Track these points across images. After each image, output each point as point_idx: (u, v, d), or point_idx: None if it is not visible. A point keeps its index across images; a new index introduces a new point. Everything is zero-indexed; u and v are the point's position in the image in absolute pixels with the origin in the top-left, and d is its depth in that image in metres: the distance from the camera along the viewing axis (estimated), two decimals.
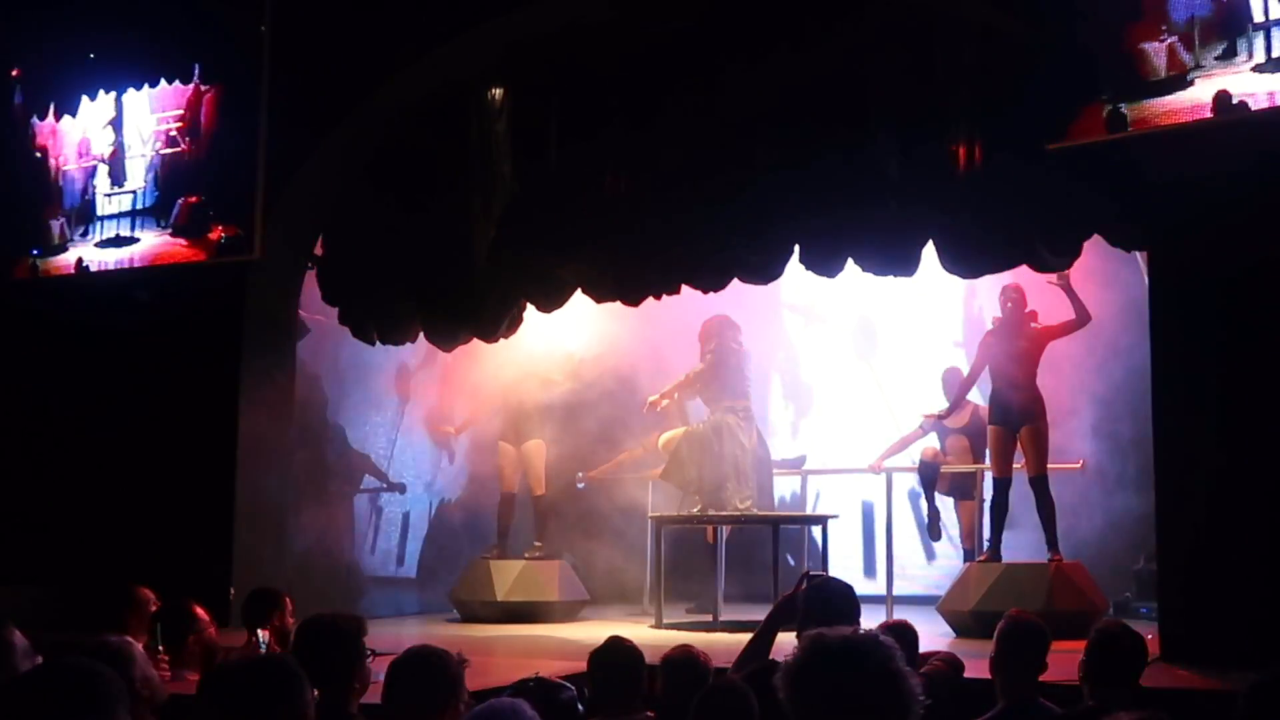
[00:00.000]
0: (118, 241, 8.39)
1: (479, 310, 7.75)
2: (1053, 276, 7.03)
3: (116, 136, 8.53)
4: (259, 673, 2.48)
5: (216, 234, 8.02)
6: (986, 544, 7.25)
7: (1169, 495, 5.81)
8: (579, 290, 7.56)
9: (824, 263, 6.96)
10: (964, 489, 8.16)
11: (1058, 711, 3.58)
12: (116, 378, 8.07)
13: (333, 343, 8.57)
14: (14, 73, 8.84)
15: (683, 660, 3.60)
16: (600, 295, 7.60)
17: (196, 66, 8.23)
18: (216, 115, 8.15)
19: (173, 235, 8.19)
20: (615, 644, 3.76)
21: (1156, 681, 4.61)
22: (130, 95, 8.49)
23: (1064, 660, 3.83)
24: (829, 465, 9.21)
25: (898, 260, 6.78)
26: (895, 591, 7.83)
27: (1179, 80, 5.68)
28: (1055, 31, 6.02)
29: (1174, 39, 5.70)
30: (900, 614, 6.62)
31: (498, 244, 7.64)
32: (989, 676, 3.76)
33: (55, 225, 8.61)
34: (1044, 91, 6.01)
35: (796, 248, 6.94)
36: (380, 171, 8.12)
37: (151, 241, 8.27)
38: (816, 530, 8.24)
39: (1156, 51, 5.73)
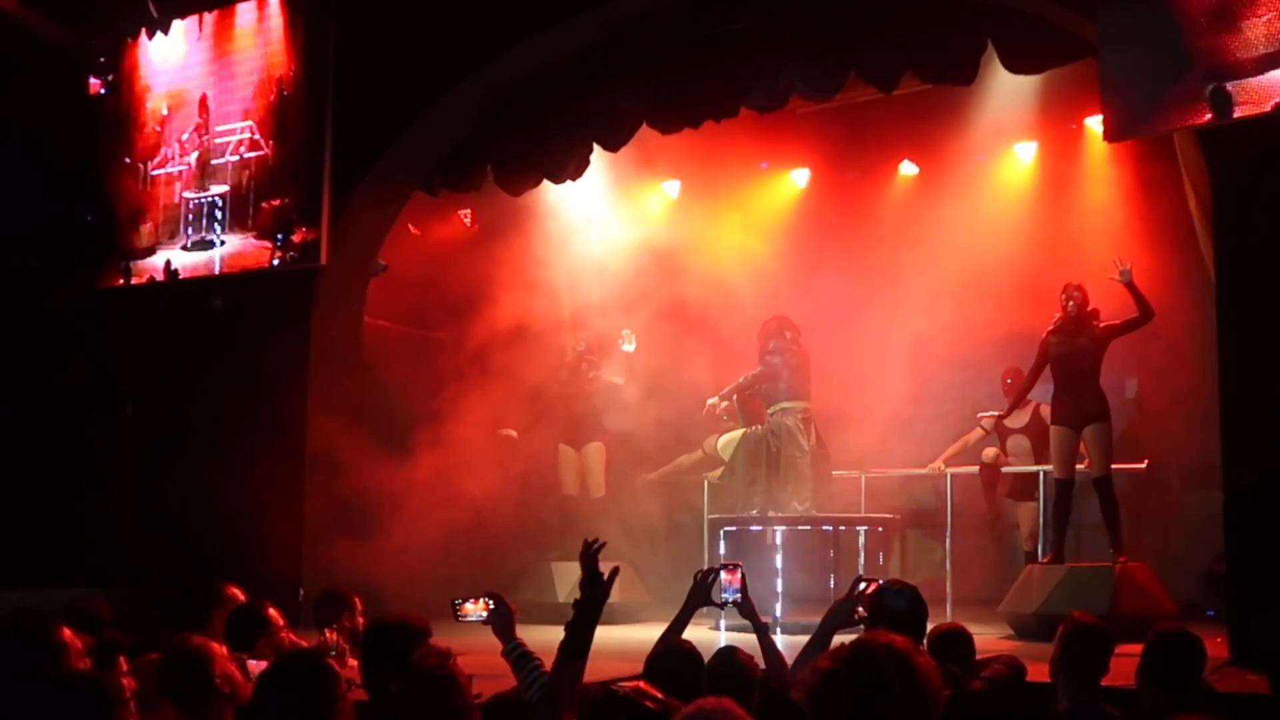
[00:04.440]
0: (204, 245, 8.62)
1: (547, 151, 8.09)
2: (1115, 273, 6.94)
3: (202, 140, 8.78)
4: (287, 667, 2.58)
5: (300, 236, 8.20)
6: (1049, 545, 7.18)
7: (1238, 495, 5.71)
8: (644, 124, 7.87)
9: (882, 75, 7.16)
10: (1026, 490, 8.07)
11: (1119, 716, 3.55)
12: (192, 383, 8.29)
13: (399, 347, 8.72)
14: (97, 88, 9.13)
15: (728, 663, 3.61)
16: (664, 126, 7.90)
17: None
18: (300, 118, 8.32)
19: (257, 238, 8.40)
20: (672, 646, 3.79)
21: (1227, 686, 4.54)
22: (218, 96, 8.69)
23: (1129, 664, 3.79)
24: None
25: (955, 67, 6.96)
26: None
27: (1277, 57, 5.50)
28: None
29: (1274, 13, 5.53)
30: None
31: (563, 84, 7.94)
32: (1050, 680, 3.73)
33: (144, 229, 8.90)
34: (1136, 71, 5.88)
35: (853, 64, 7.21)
36: None
37: (236, 244, 8.49)
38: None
39: (1254, 26, 5.56)
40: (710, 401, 8.30)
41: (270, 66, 8.50)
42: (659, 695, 2.62)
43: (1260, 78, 5.54)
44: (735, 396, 8.35)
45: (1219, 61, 5.64)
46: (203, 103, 8.80)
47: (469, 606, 3.42)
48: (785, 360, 8.02)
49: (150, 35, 9.01)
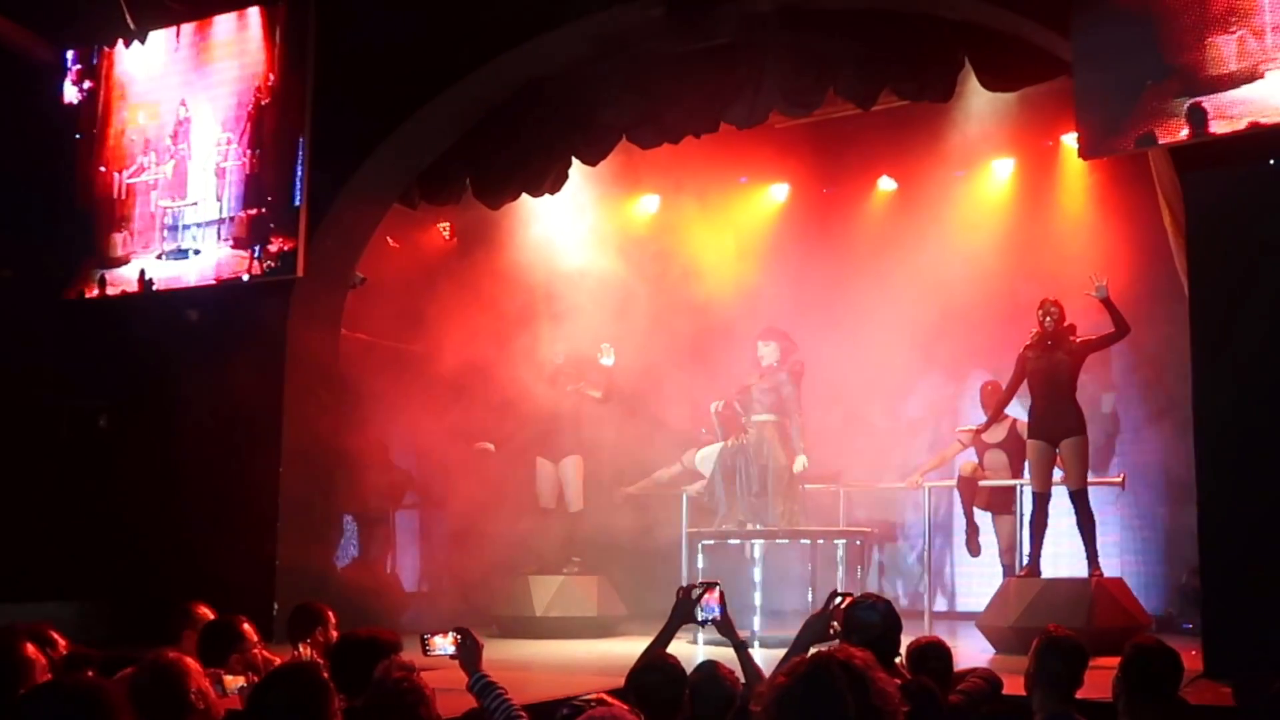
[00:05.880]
0: (179, 254, 8.56)
1: (526, 165, 8.07)
2: (1091, 288, 6.99)
3: (179, 150, 8.72)
4: (281, 680, 2.55)
5: (277, 247, 8.14)
6: (1026, 559, 7.20)
7: (1212, 509, 5.74)
8: (623, 137, 7.86)
9: (861, 92, 7.21)
10: (1003, 504, 8.10)
11: None
12: (166, 395, 8.22)
13: (376, 360, 8.68)
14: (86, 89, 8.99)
15: (709, 677, 3.59)
16: (643, 140, 7.91)
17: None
18: (278, 129, 8.28)
19: (233, 247, 8.34)
20: (655, 660, 3.77)
21: (1201, 698, 4.55)
22: (196, 105, 8.64)
23: (1104, 677, 3.80)
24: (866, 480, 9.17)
25: (932, 85, 6.98)
26: None
27: (1249, 74, 5.57)
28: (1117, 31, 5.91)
29: (1244, 30, 5.58)
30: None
31: (542, 98, 7.92)
32: (1026, 693, 3.73)
33: (118, 238, 8.82)
34: (1111, 89, 5.92)
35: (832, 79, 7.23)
36: None
37: (212, 254, 8.42)
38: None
39: (1226, 43, 5.60)
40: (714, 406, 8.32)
41: (249, 77, 8.47)
42: None
43: (1233, 93, 5.59)
44: (719, 407, 8.35)
45: (1192, 78, 5.69)
46: (180, 113, 8.75)
47: (437, 640, 3.50)
48: (774, 372, 8.01)
49: (127, 45, 8.96)
